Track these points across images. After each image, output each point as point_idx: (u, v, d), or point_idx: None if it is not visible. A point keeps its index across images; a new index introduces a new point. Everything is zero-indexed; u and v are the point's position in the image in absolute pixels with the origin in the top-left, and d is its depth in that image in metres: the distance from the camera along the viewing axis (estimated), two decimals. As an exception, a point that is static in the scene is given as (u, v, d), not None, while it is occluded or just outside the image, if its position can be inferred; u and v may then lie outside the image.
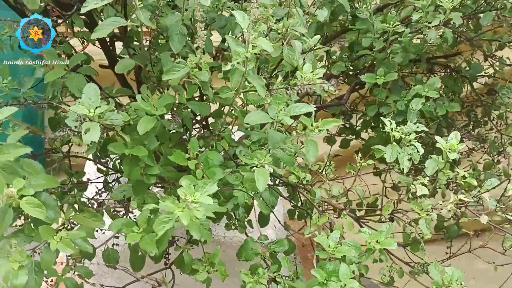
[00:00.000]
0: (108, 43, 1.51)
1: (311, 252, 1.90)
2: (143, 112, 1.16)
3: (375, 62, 1.93)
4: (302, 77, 1.17)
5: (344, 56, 2.08)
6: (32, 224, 1.10)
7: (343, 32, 2.07)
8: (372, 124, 2.13)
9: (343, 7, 1.95)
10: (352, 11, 1.99)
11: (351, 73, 2.09)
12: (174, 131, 1.27)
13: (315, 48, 1.36)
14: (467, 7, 1.84)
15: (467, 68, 2.01)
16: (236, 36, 1.19)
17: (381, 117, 1.97)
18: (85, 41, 1.52)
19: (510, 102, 1.86)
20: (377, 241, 1.28)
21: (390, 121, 1.37)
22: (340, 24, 2.09)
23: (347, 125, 2.24)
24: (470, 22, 1.90)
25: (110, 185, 1.53)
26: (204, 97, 1.50)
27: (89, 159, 1.52)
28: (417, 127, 1.37)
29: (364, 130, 2.13)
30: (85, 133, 1.01)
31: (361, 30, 1.95)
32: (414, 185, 1.32)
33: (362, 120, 2.18)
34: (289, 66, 1.26)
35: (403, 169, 1.33)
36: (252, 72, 1.13)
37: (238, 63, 1.04)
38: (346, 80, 2.08)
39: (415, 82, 1.87)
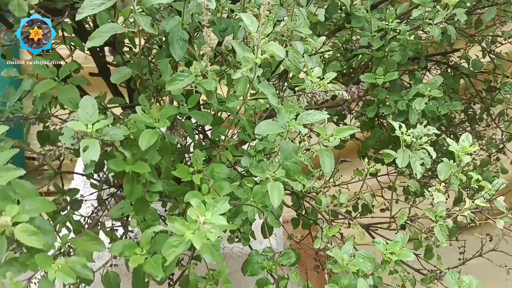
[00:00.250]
0: (97, 48, 1.42)
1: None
2: (142, 125, 1.08)
3: (369, 61, 1.88)
4: (312, 82, 1.10)
5: (338, 55, 2.02)
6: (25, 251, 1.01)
7: (337, 31, 2.01)
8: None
9: (336, 4, 1.90)
10: (345, 8, 1.93)
11: (344, 71, 2.04)
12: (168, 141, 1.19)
13: (322, 50, 1.29)
14: (461, 2, 1.79)
15: (464, 65, 1.97)
16: (241, 40, 1.11)
17: (384, 119, 1.93)
18: (72, 48, 1.42)
19: (511, 99, 1.82)
20: (393, 253, 1.22)
21: (400, 124, 1.31)
22: (333, 22, 2.03)
23: (341, 126, 2.18)
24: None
25: (103, 200, 1.44)
26: (202, 105, 1.42)
27: (79, 174, 1.43)
28: (428, 130, 1.31)
29: (362, 131, 2.07)
30: (84, 151, 0.93)
31: (356, 28, 1.89)
32: (430, 191, 1.26)
33: (359, 120, 2.13)
34: (296, 69, 1.18)
35: (416, 174, 1.27)
36: (258, 79, 1.05)
37: (248, 70, 0.96)
38: (341, 80, 2.02)
39: (415, 81, 1.82)
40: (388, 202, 1.92)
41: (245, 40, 1.15)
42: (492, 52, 1.87)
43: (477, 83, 2.11)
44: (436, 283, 1.41)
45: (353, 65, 2.06)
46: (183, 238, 0.93)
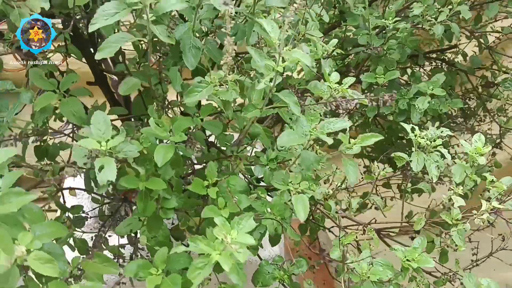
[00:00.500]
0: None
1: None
2: (153, 138, 1.02)
3: (366, 60, 1.84)
4: (331, 88, 1.05)
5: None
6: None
7: (331, 29, 1.97)
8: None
9: (331, 3, 1.86)
10: (339, 6, 1.90)
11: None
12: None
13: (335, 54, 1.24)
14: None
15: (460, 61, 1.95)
16: (255, 46, 1.06)
17: (381, 117, 1.90)
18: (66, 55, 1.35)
19: (509, 95, 1.81)
20: (411, 259, 1.19)
21: (413, 127, 1.28)
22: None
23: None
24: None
25: (107, 216, 1.37)
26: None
27: (80, 189, 1.36)
28: (442, 132, 1.28)
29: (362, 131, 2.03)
30: (99, 171, 0.86)
31: (351, 26, 1.86)
32: (449, 196, 1.23)
33: (352, 120, 2.09)
34: (309, 73, 1.14)
35: (431, 178, 1.24)
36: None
37: (270, 78, 0.91)
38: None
39: (414, 79, 1.79)
40: (383, 200, 1.90)
41: (257, 45, 1.10)
42: (491, 48, 1.85)
43: (471, 78, 2.10)
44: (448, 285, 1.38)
45: (347, 63, 2.03)
46: (209, 259, 0.87)
